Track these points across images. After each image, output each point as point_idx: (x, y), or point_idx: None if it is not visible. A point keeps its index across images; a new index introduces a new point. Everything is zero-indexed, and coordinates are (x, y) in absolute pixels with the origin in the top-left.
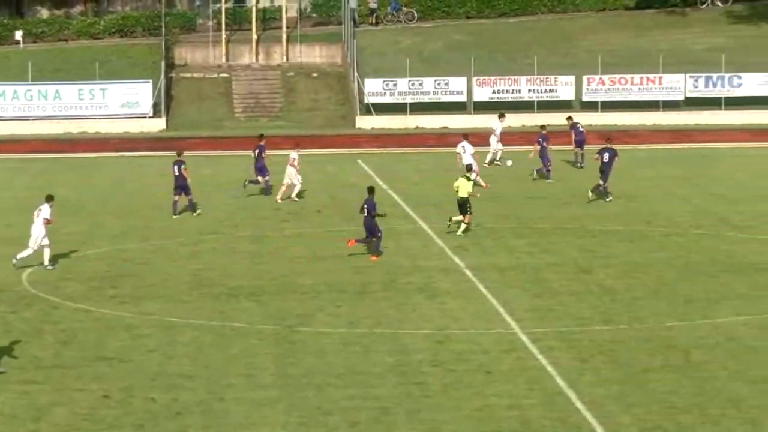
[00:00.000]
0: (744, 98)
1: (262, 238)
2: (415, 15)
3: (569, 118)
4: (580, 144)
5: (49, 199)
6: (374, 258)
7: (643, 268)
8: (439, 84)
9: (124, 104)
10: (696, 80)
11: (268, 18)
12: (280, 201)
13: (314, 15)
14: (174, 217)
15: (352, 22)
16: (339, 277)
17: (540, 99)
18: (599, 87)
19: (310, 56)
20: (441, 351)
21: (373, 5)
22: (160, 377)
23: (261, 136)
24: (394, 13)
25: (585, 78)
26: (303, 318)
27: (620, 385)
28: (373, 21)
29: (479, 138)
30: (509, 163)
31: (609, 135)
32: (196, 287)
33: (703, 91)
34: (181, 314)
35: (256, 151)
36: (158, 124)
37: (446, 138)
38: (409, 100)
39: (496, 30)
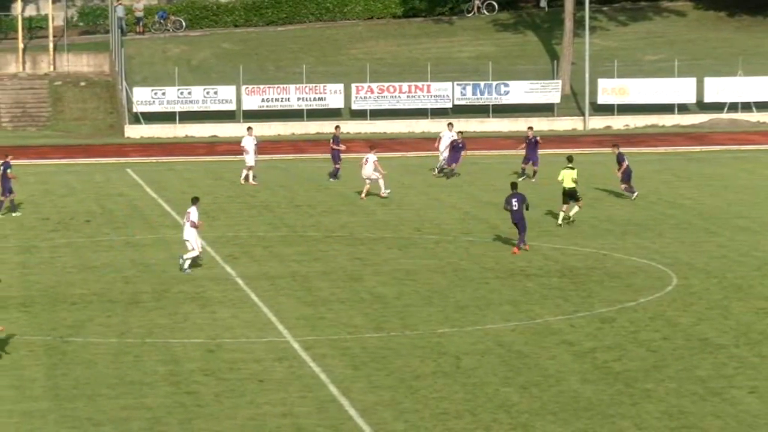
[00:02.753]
0: (510, 106)
1: (30, 249)
2: (183, 23)
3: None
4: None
5: (195, 200)
6: (518, 250)
7: (414, 275)
8: (208, 93)
9: None
10: (463, 88)
11: (35, 27)
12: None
13: (81, 24)
14: None
15: (119, 31)
16: (110, 287)
17: (309, 107)
18: (368, 95)
19: (78, 65)
20: (213, 360)
21: (140, 14)
22: None
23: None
24: (161, 21)
25: (354, 86)
26: (74, 328)
27: (392, 391)
28: (141, 30)
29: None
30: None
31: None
32: None
33: (470, 98)
34: None
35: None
36: None
37: (216, 147)
38: (178, 109)
39: (264, 39)
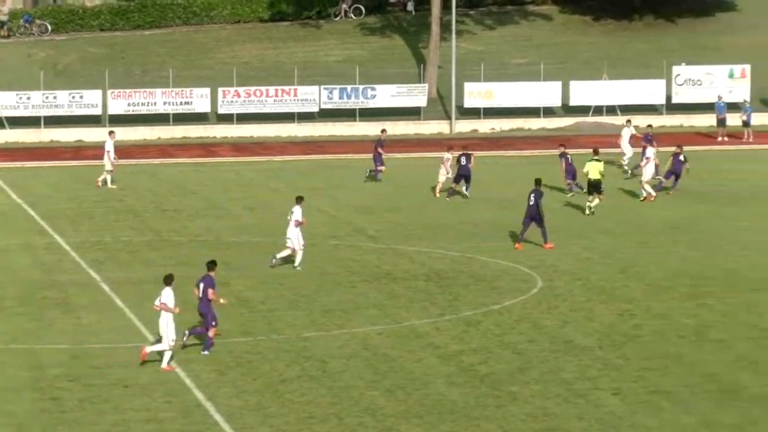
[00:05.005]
0: (377, 109)
1: None
2: (48, 27)
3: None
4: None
5: (300, 200)
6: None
7: (281, 279)
8: (73, 97)
9: None
10: (330, 92)
11: None
12: (438, 195)
13: None
14: None
15: None
16: None
17: (176, 111)
18: (235, 99)
19: None
20: (78, 366)
21: (4, 17)
22: None
23: None
24: (26, 25)
25: (220, 90)
26: None
27: (258, 396)
28: (5, 33)
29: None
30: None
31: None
32: None
33: (337, 102)
34: None
35: None
36: None
37: (82, 151)
38: (43, 113)
39: (131, 43)
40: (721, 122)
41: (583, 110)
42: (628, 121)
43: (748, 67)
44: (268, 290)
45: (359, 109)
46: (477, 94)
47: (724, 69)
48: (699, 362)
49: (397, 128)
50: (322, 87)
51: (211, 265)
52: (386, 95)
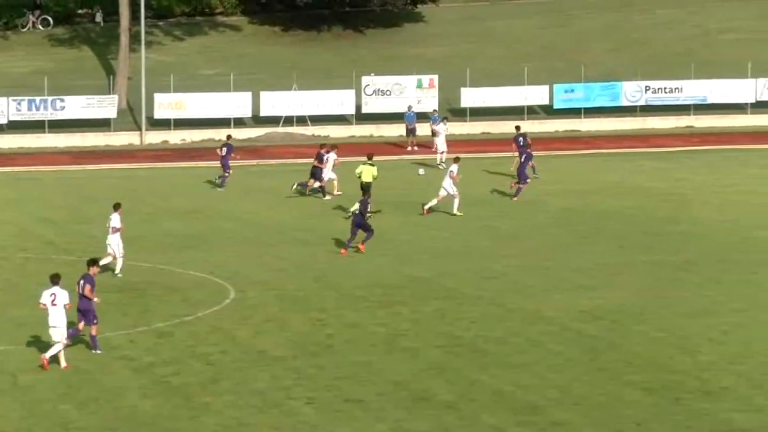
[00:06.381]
0: (67, 121)
1: None
2: None
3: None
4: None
5: (117, 207)
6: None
7: None
8: None
9: None
10: (19, 103)
11: None
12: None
13: None
14: None
15: None
16: None
17: None
18: None
19: None
20: None
21: None
22: None
23: None
24: None
25: None
26: None
27: None
28: None
29: None
30: (421, 171)
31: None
32: None
33: (26, 114)
34: None
35: None
36: None
37: None
38: None
39: None
40: (411, 132)
41: (273, 121)
42: (445, 118)
43: (436, 77)
44: None
45: (48, 120)
46: (167, 105)
47: (413, 79)
48: (391, 370)
49: (87, 140)
50: (10, 98)
51: (91, 263)
52: (76, 106)
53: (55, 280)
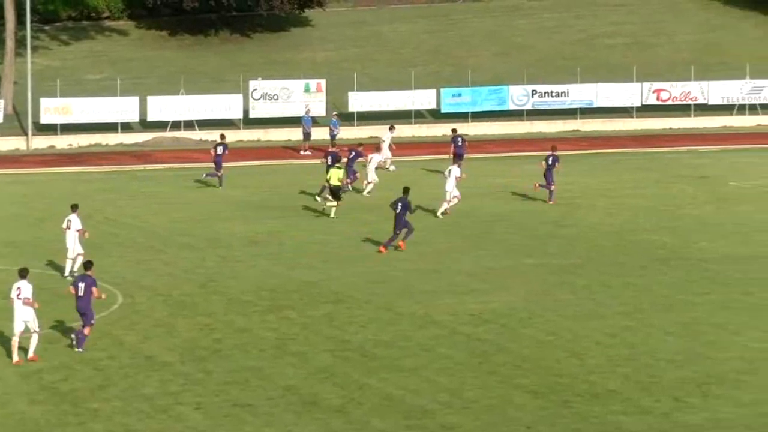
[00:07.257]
0: None
1: None
2: None
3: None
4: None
5: (75, 208)
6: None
7: None
8: None
9: None
10: None
11: None
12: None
13: None
14: None
15: None
16: None
17: None
18: None
19: None
20: None
21: None
22: None
23: None
24: None
25: None
26: None
27: None
28: None
29: None
30: (392, 168)
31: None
32: None
33: None
34: None
35: None
36: None
37: None
38: None
39: None
40: (307, 136)
41: (161, 125)
42: (392, 127)
43: (323, 82)
44: None
45: None
46: (54, 110)
47: (300, 83)
48: (279, 375)
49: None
50: None
51: (89, 264)
52: None
53: (23, 273)
